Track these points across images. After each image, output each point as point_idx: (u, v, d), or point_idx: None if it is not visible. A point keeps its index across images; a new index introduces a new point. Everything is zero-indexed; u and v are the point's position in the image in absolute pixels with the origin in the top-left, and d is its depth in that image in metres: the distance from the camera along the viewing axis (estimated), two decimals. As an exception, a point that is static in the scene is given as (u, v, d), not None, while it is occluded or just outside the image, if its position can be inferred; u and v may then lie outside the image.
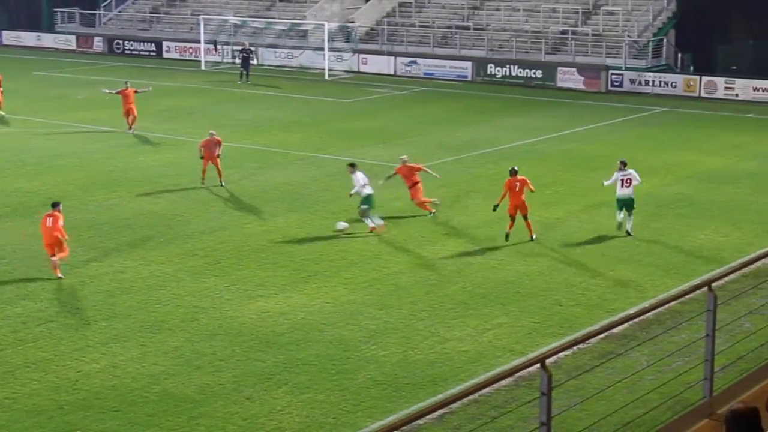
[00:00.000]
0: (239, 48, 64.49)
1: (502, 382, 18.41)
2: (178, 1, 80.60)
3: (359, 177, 31.27)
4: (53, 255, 26.57)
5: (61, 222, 26.67)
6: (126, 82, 46.61)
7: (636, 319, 22.35)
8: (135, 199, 34.35)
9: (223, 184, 35.73)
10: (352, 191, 31.24)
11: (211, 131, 36.90)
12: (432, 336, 22.79)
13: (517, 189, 29.78)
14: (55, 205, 27.27)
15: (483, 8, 69.21)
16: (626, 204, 30.45)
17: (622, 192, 30.47)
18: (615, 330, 21.66)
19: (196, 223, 31.69)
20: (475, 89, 60.17)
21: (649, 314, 22.91)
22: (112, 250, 28.97)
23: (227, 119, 49.55)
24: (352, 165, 31.91)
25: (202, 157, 35.83)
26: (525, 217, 29.81)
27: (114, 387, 20.35)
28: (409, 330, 23.18)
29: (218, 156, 35.73)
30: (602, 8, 65.28)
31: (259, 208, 33.27)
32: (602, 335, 21.57)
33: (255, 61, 65.00)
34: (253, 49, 64.89)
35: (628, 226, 30.38)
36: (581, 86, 59.80)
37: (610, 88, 59.11)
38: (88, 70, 67.71)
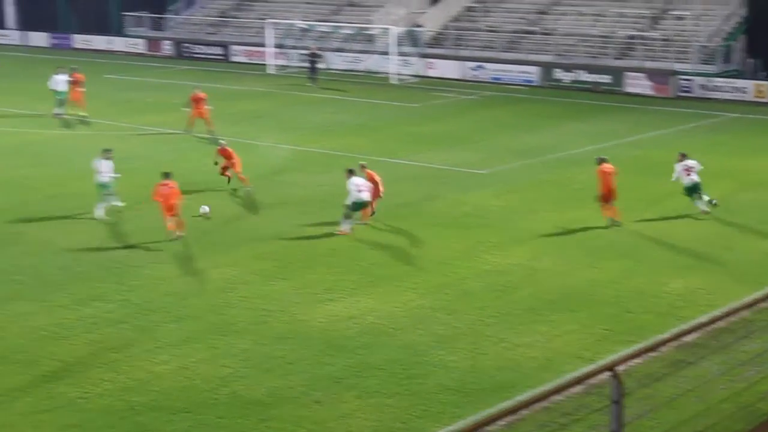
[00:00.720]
0: (307, 52, 64.77)
1: (572, 390, 18.26)
2: (246, 5, 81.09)
3: (355, 182, 31.17)
4: (172, 215, 29.86)
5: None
6: (196, 88, 47.07)
7: (707, 328, 22.09)
8: (204, 202, 34.51)
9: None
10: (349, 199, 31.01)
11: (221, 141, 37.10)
12: (500, 342, 22.74)
13: (609, 175, 31.72)
14: (167, 174, 30.63)
15: (550, 12, 68.97)
16: (695, 189, 32.61)
17: (689, 180, 32.62)
18: (686, 338, 21.40)
19: (265, 226, 31.86)
20: (542, 94, 59.96)
21: (721, 322, 22.56)
22: (182, 252, 29.21)
23: (295, 122, 49.80)
24: (351, 171, 31.63)
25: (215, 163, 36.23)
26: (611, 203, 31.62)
27: (184, 388, 20.51)
28: (477, 335, 23.14)
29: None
30: (671, 13, 64.81)
31: (328, 212, 33.33)
32: (673, 343, 21.32)
33: (323, 65, 65.21)
34: (321, 53, 65.14)
35: (705, 206, 32.57)
36: (650, 91, 59.33)
37: (679, 93, 58.59)
38: (157, 74, 68.36)
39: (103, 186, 33.03)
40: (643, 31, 64.42)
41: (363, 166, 32.91)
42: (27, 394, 20.20)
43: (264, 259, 28.62)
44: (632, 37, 64.06)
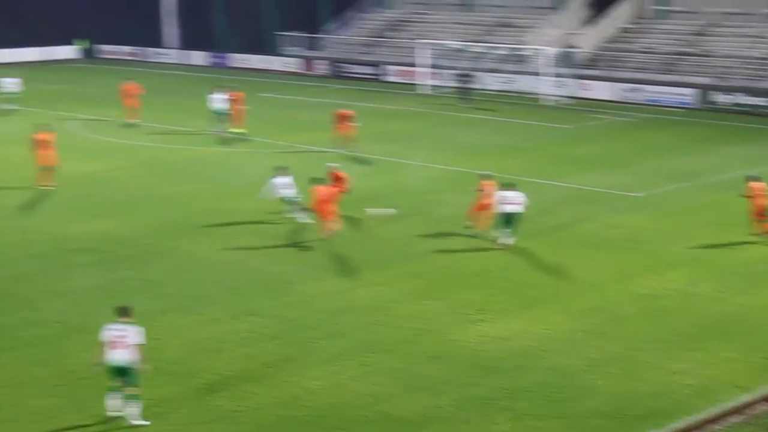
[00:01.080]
0: (459, 72, 64.90)
1: (731, 419, 17.99)
2: (400, 25, 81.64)
3: (502, 195, 31.76)
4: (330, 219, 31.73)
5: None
6: (343, 106, 47.65)
7: None
8: (356, 221, 34.84)
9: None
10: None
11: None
12: (654, 368, 22.38)
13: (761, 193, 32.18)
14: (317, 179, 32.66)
15: (708, 34, 67.82)
16: None
17: None
18: None
19: (417, 245, 31.95)
20: (699, 116, 58.92)
21: None
22: (335, 270, 29.48)
23: (447, 143, 49.89)
24: (506, 185, 32.25)
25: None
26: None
27: (335, 405, 20.68)
28: (630, 360, 22.83)
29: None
30: (835, 34, 63.18)
31: (481, 233, 33.30)
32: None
33: (473, 85, 65.20)
34: (473, 73, 65.19)
35: None
36: (812, 115, 57.85)
37: (842, 116, 57.04)
38: (311, 92, 69.23)
39: (288, 201, 34.42)
40: (804, 53, 62.92)
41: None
42: (182, 406, 20.61)
43: (415, 278, 28.71)
44: (793, 59, 62.62)
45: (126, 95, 55.36)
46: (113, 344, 19.62)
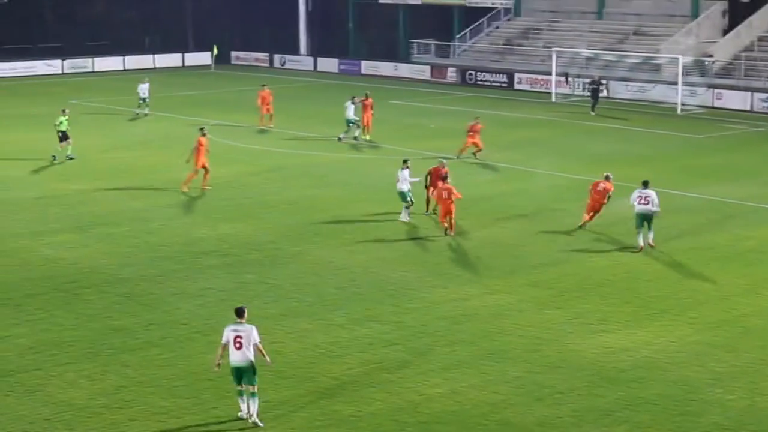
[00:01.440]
0: (589, 80, 64.37)
1: None
2: (531, 33, 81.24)
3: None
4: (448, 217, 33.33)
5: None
6: (476, 118, 47.52)
7: None
8: (482, 228, 34.76)
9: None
10: None
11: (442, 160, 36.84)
12: (782, 383, 21.87)
13: None
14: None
15: None
16: None
17: None
18: None
19: (540, 254, 31.73)
20: (838, 127, 57.45)
21: None
22: (457, 277, 29.42)
23: (575, 151, 49.49)
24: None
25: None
26: None
27: (454, 413, 20.60)
28: (757, 375, 22.32)
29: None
30: None
31: (603, 242, 32.94)
32: None
33: (604, 93, 64.52)
34: (604, 81, 64.53)
35: None
36: None
37: None
38: (441, 100, 69.28)
39: (402, 195, 35.30)
40: None
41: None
42: (303, 409, 20.74)
43: (539, 286, 28.50)
44: None
45: (262, 102, 56.14)
46: (234, 344, 19.87)
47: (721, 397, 21.18)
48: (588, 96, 63.48)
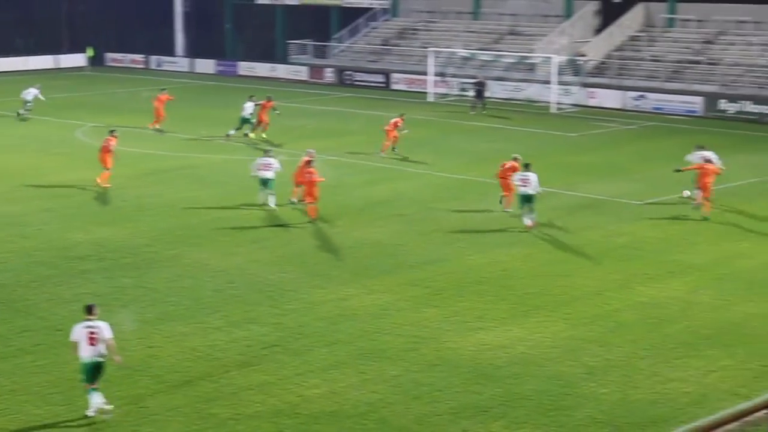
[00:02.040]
0: (474, 80, 65.03)
1: (728, 426, 17.90)
2: (408, 33, 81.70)
3: (519, 176, 34.99)
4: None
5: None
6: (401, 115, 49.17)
7: None
8: (360, 228, 34.87)
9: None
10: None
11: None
12: (653, 375, 22.32)
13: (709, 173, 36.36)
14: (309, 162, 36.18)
15: (716, 42, 67.78)
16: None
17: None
18: None
19: (418, 253, 31.93)
20: (706, 125, 58.85)
21: None
22: (336, 277, 29.46)
23: (452, 151, 49.89)
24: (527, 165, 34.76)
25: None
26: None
27: (333, 413, 20.63)
28: (629, 368, 22.76)
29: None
30: (843, 43, 63.05)
31: (481, 240, 33.30)
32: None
33: (488, 93, 65.23)
34: (486, 81, 65.24)
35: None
36: (819, 123, 57.77)
37: None
38: (319, 101, 69.28)
39: (267, 182, 37.33)
40: (812, 61, 62.80)
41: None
42: (181, 413, 20.57)
43: (417, 285, 28.67)
44: (801, 67, 62.50)
45: (158, 104, 56.00)
46: (87, 340, 20.02)
47: (594, 391, 21.56)
48: (472, 96, 64.01)
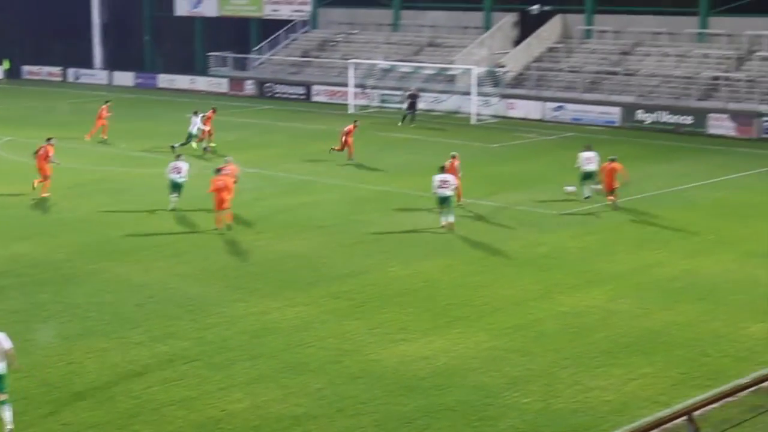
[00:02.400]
0: (407, 93, 65.17)
1: (647, 434, 18.07)
2: (328, 45, 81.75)
3: (437, 177, 36.19)
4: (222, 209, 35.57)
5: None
6: (355, 121, 50.82)
7: (787, 373, 21.81)
8: (281, 241, 34.80)
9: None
10: None
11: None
12: (575, 384, 22.50)
13: (613, 172, 39.24)
14: (219, 170, 36.66)
15: (633, 53, 68.68)
16: (589, 176, 40.78)
17: (587, 167, 40.86)
18: (765, 384, 21.11)
19: (341, 265, 31.92)
20: (624, 135, 59.61)
21: (801, 368, 22.33)
22: (258, 291, 29.33)
23: (374, 162, 49.98)
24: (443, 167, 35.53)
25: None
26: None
27: (256, 427, 20.52)
28: (551, 378, 22.92)
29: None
30: (756, 54, 64.14)
31: (403, 252, 33.37)
32: (751, 389, 21.00)
33: (420, 105, 65.44)
34: (420, 94, 65.39)
35: (590, 192, 40.60)
36: (733, 133, 58.76)
37: (762, 135, 57.95)
38: (239, 113, 69.02)
39: (177, 186, 38.79)
40: (727, 72, 63.81)
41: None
42: (103, 430, 20.33)
43: (339, 298, 28.65)
44: (716, 78, 63.48)
45: (100, 116, 56.62)
46: None
47: (517, 401, 21.67)
48: (405, 108, 64.10)
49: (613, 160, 39.69)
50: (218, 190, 35.85)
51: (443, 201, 35.97)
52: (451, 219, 35.86)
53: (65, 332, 25.72)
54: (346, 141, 50.19)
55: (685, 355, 24.21)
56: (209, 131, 53.67)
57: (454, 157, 39.42)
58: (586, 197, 40.48)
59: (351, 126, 50.81)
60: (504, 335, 25.61)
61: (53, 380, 22.09)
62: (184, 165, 39.12)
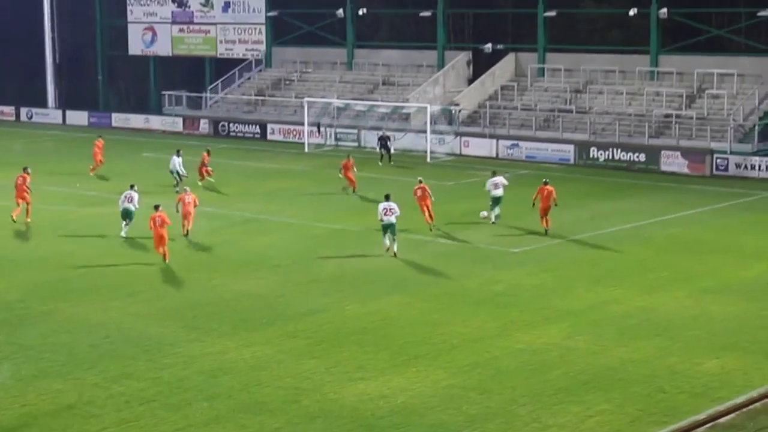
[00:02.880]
0: (379, 134, 65.22)
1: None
2: (283, 84, 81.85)
3: (381, 206, 38.14)
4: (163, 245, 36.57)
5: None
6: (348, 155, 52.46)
7: (743, 409, 21.95)
8: (237, 280, 34.69)
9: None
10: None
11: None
12: (533, 422, 22.52)
13: (548, 194, 41.48)
14: (156, 206, 37.51)
15: (586, 92, 69.21)
16: (497, 201, 43.85)
17: (495, 192, 43.98)
18: (721, 420, 21.25)
19: (298, 304, 31.85)
20: (578, 172, 59.96)
21: (758, 404, 22.50)
22: (214, 330, 29.20)
23: (329, 201, 50.01)
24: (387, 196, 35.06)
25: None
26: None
27: (214, 468, 20.41)
28: (509, 415, 22.93)
29: None
30: (707, 92, 64.87)
31: (360, 290, 33.35)
32: (708, 425, 21.14)
33: (392, 146, 65.24)
34: (390, 135, 65.30)
35: (495, 218, 43.89)
36: (685, 170, 59.26)
37: (714, 172, 58.46)
38: (194, 152, 68.72)
39: (129, 213, 41.07)
40: (678, 109, 64.47)
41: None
42: (56, 473, 20.16)
43: (297, 337, 28.57)
44: (668, 115, 64.11)
45: (97, 151, 58.78)
46: None
47: (475, 439, 21.68)
48: (379, 150, 64.07)
49: (546, 183, 42.02)
50: (157, 227, 36.81)
51: (387, 228, 37.74)
52: (395, 246, 37.78)
53: (19, 374, 25.47)
54: (347, 176, 52.31)
55: (641, 391, 24.30)
56: (209, 171, 54.92)
57: (420, 181, 42.91)
58: (493, 222, 43.28)
59: (346, 161, 53.01)
60: (462, 373, 25.62)
61: (7, 423, 21.85)
62: (135, 195, 41.45)
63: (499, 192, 43.76)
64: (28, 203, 44.25)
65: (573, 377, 25.31)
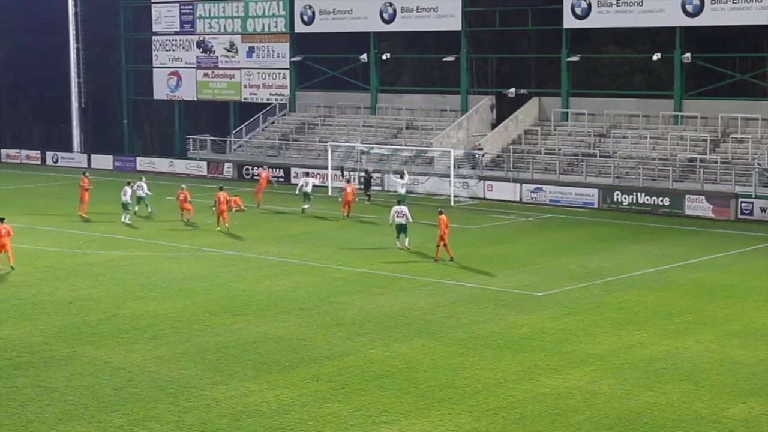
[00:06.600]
0: (363, 172, 66.04)
1: None
2: (307, 128, 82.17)
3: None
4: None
5: None
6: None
7: (770, 454, 21.72)
8: (261, 323, 34.67)
9: None
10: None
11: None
12: (558, 467, 22.38)
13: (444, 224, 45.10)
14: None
15: (610, 136, 69.19)
16: (402, 229, 47.75)
17: (397, 221, 47.51)
18: (748, 465, 21.05)
19: (321, 347, 31.79)
20: (602, 216, 59.88)
21: (784, 449, 22.24)
22: (238, 373, 29.16)
23: (353, 244, 50.02)
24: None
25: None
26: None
27: None
28: (534, 460, 22.79)
29: None
30: (731, 136, 64.76)
31: (384, 334, 33.27)
32: (734, 470, 20.93)
33: (373, 184, 66.61)
34: (374, 175, 66.16)
35: (405, 244, 47.69)
36: (710, 214, 59.09)
37: (739, 216, 58.28)
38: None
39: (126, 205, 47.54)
40: (703, 153, 64.38)
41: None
42: None
43: (320, 380, 28.50)
44: (692, 160, 64.01)
45: (83, 191, 59.30)
46: None
47: (500, 484, 21.53)
48: (361, 188, 65.11)
49: (441, 212, 45.66)
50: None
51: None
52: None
53: (43, 416, 25.46)
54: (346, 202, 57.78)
55: (667, 436, 24.13)
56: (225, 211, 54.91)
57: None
58: (399, 247, 47.41)
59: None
60: (485, 417, 25.48)
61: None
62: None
63: (402, 220, 47.37)
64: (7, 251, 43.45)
65: (598, 422, 25.14)
